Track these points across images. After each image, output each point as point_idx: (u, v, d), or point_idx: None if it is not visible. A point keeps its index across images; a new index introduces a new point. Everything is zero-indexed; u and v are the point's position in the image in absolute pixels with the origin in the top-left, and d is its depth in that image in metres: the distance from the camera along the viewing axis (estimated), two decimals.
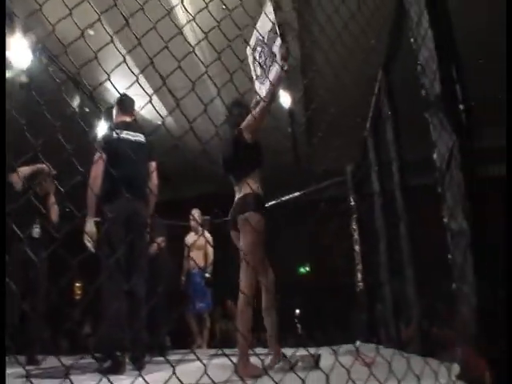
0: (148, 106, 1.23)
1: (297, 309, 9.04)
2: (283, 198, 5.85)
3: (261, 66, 2.21)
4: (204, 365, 0.90)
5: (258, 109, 2.17)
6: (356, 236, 4.80)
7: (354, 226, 4.78)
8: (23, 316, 3.26)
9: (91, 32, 3.68)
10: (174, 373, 0.81)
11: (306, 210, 5.08)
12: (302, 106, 5.81)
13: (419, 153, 1.97)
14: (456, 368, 1.33)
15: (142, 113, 5.31)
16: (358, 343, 3.98)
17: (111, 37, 1.07)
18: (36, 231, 3.35)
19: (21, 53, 3.93)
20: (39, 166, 3.30)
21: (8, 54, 3.86)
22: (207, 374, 0.92)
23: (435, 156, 1.62)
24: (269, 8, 1.92)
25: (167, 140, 1.52)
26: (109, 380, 0.78)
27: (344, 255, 4.86)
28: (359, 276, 4.89)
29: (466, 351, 1.33)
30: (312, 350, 2.02)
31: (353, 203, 4.83)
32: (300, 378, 1.01)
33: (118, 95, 2.69)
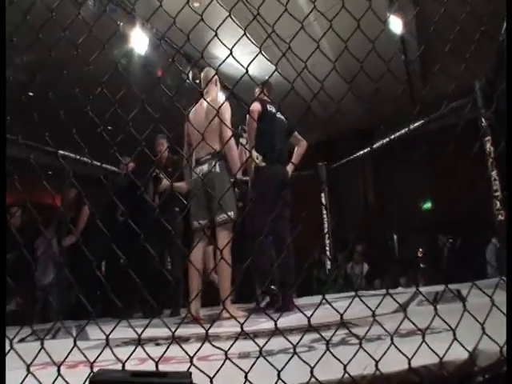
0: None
1: (420, 247, 8.58)
2: (400, 132, 5.53)
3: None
4: None
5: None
6: (491, 159, 4.33)
7: (489, 148, 4.30)
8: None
9: (196, 4, 3.91)
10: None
11: (429, 141, 4.70)
12: (414, 28, 5.23)
13: None
14: None
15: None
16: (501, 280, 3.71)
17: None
18: None
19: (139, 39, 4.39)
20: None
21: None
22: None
23: None
24: None
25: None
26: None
27: (477, 184, 4.43)
28: (497, 205, 4.43)
29: None
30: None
31: (484, 123, 4.32)
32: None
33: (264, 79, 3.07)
